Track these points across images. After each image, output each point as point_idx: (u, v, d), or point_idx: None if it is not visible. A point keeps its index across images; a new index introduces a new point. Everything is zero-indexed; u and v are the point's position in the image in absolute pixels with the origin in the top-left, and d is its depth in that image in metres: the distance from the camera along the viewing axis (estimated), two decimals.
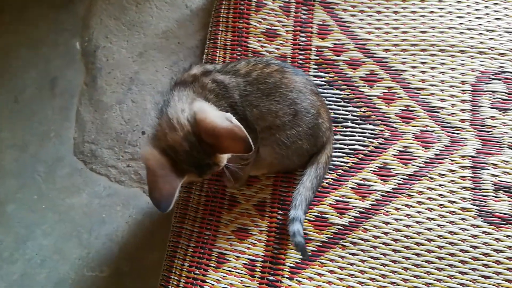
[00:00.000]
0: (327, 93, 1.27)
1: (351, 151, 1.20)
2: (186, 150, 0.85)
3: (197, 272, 1.18)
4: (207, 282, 1.17)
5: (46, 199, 1.44)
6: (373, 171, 1.17)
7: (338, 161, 1.20)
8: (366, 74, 1.27)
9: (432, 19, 1.27)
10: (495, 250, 1.05)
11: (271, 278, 1.13)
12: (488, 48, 1.23)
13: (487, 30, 1.24)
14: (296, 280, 1.12)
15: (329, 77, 1.29)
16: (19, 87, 1.64)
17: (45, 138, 1.54)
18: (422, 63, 1.25)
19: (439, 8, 1.28)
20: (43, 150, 1.52)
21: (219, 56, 1.38)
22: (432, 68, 1.24)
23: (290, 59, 1.32)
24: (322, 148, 1.14)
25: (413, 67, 1.25)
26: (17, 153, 1.54)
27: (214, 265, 1.18)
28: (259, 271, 1.14)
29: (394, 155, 1.18)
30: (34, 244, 1.39)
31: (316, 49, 1.31)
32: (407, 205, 1.13)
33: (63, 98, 1.59)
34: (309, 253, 1.11)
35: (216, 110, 0.91)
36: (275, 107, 1.02)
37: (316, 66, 1.30)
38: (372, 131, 1.21)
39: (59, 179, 1.46)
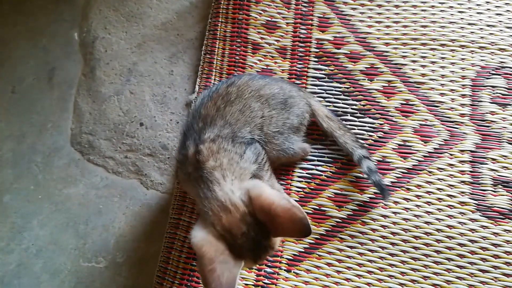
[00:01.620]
0: (327, 86, 1.27)
1: None
2: (244, 232, 0.80)
3: (194, 264, 1.18)
4: None
5: (43, 189, 1.43)
6: None
7: (337, 154, 1.20)
8: (366, 67, 1.26)
9: (433, 14, 1.27)
10: (493, 244, 1.05)
11: (268, 270, 1.13)
12: (488, 43, 1.23)
13: (488, 25, 1.24)
14: (293, 272, 1.12)
15: (329, 70, 1.28)
16: (17, 77, 1.63)
17: (43, 129, 1.53)
18: (423, 57, 1.24)
19: (440, 3, 1.28)
20: (40, 140, 1.51)
21: (218, 48, 1.38)
22: (433, 62, 1.24)
23: (290, 51, 1.32)
24: (310, 108, 1.13)
25: (414, 61, 1.25)
26: (14, 144, 1.53)
27: None
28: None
29: (393, 148, 1.18)
30: (30, 234, 1.38)
31: (316, 42, 1.31)
32: (405, 199, 1.13)
33: (61, 89, 1.58)
34: (389, 194, 1.10)
35: (271, 189, 0.84)
36: (248, 110, 1.01)
37: (316, 59, 1.30)
38: (371, 125, 1.21)
39: (56, 170, 1.45)
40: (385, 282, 1.07)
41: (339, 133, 1.13)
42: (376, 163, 1.14)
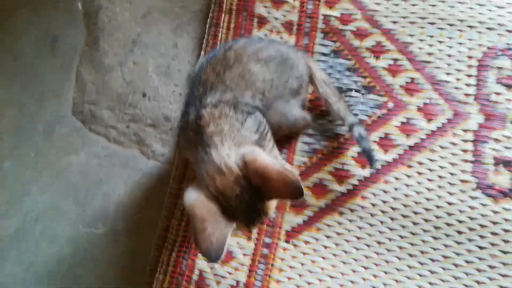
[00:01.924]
0: (332, 62, 1.26)
1: None
2: (237, 194, 0.80)
3: None
4: None
5: (43, 157, 1.43)
6: (375, 141, 1.17)
7: (339, 130, 1.20)
8: (372, 45, 1.26)
9: None
10: (492, 222, 1.06)
11: (267, 240, 1.13)
12: (496, 25, 1.22)
13: (497, 7, 1.23)
14: (292, 243, 1.13)
15: (335, 46, 1.28)
16: (19, 46, 1.62)
17: (44, 98, 1.52)
18: (430, 36, 1.24)
19: None
20: (42, 109, 1.51)
21: (223, 21, 1.37)
22: (440, 42, 1.23)
23: (297, 26, 1.31)
24: (309, 70, 1.12)
25: (421, 40, 1.24)
26: (15, 111, 1.52)
27: None
28: (255, 233, 1.14)
29: (397, 126, 1.18)
30: (30, 200, 1.38)
31: (323, 18, 1.30)
32: (407, 175, 1.13)
33: (64, 59, 1.57)
34: (377, 161, 1.11)
35: (266, 154, 0.85)
36: (248, 73, 0.99)
37: (323, 35, 1.29)
38: (376, 102, 1.21)
39: (57, 138, 1.45)
40: (383, 255, 1.08)
41: (333, 99, 1.12)
42: (378, 140, 1.14)
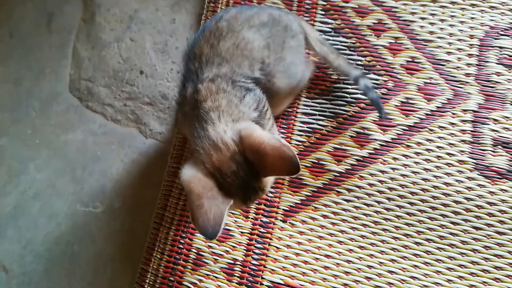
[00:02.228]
0: (332, 40, 1.24)
1: (353, 100, 1.19)
2: (233, 171, 0.79)
3: None
4: None
5: (40, 134, 1.42)
6: (374, 120, 1.16)
7: (339, 109, 1.19)
8: (373, 23, 1.24)
9: None
10: (489, 203, 1.06)
11: (264, 219, 1.14)
12: (499, 3, 1.20)
13: None
14: (289, 222, 1.13)
15: (335, 24, 1.26)
16: (15, 21, 1.59)
17: (41, 74, 1.51)
18: (432, 14, 1.22)
19: None
20: (38, 86, 1.49)
21: None
22: (442, 20, 1.21)
23: (297, 3, 1.29)
24: (302, 30, 1.09)
25: (422, 18, 1.22)
26: (12, 88, 1.51)
27: None
28: (253, 212, 1.15)
29: (396, 105, 1.17)
30: (27, 178, 1.38)
31: None
32: (405, 155, 1.13)
33: (60, 34, 1.54)
34: (386, 111, 1.12)
35: (262, 130, 0.84)
36: (243, 42, 0.95)
37: (323, 12, 1.27)
38: (375, 81, 1.19)
39: (54, 115, 1.44)
40: (379, 235, 1.08)
41: (332, 57, 1.12)
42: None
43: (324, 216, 1.12)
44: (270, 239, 1.12)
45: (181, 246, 1.16)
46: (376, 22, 1.24)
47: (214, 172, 0.80)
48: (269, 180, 0.85)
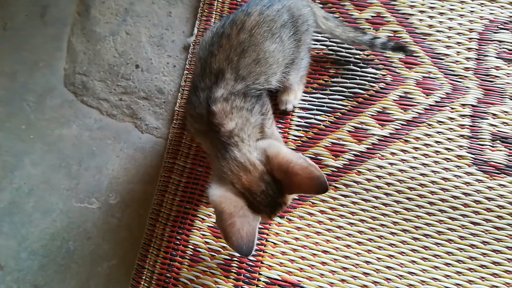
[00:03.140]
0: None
1: (351, 94, 1.18)
2: (263, 190, 0.81)
3: (188, 207, 1.18)
4: (198, 217, 1.16)
5: (35, 129, 1.41)
6: (372, 115, 1.15)
7: (336, 104, 1.18)
8: (372, 16, 1.23)
9: None
10: (487, 198, 1.05)
11: None
12: None
13: None
14: (286, 218, 1.12)
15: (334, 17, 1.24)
16: (9, 13, 1.56)
17: (35, 68, 1.49)
18: (431, 7, 1.21)
19: None
20: (33, 79, 1.47)
21: None
22: (441, 13, 1.20)
23: None
24: (313, 13, 1.08)
25: (421, 12, 1.21)
26: (6, 81, 1.48)
27: (206, 201, 1.17)
28: None
29: (394, 100, 1.16)
30: (22, 173, 1.36)
31: None
32: (403, 150, 1.12)
33: (55, 27, 1.52)
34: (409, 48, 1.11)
35: (286, 147, 0.86)
36: (264, 57, 0.94)
37: (321, 5, 1.25)
38: (374, 75, 1.18)
39: (49, 110, 1.42)
40: (377, 231, 1.08)
41: (338, 30, 1.13)
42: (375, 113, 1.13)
43: (322, 212, 1.11)
44: (268, 234, 1.12)
45: (177, 242, 1.15)
46: (375, 15, 1.23)
47: (244, 191, 0.82)
48: (292, 195, 0.87)
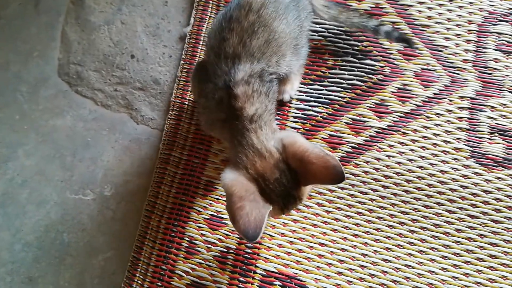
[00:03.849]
0: (328, 24, 1.21)
1: (349, 86, 1.17)
2: (277, 178, 0.79)
3: (184, 199, 1.17)
4: (194, 209, 1.15)
5: (29, 119, 1.39)
6: (370, 107, 1.15)
7: (334, 96, 1.17)
8: (371, 7, 1.21)
9: None
10: (484, 191, 1.05)
11: None
12: None
13: None
14: None
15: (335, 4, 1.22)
16: (2, 2, 1.54)
17: (29, 57, 1.46)
18: None
19: None
20: (26, 69, 1.45)
21: None
22: (440, 5, 1.19)
23: None
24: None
25: (420, 3, 1.20)
26: None
27: (202, 193, 1.16)
28: None
29: (393, 92, 1.15)
30: (16, 164, 1.34)
31: None
32: (401, 143, 1.11)
33: (49, 16, 1.50)
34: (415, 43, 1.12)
35: (303, 138, 0.84)
36: (274, 38, 0.92)
37: None
38: (372, 67, 1.17)
39: (43, 100, 1.40)
40: (373, 223, 1.07)
41: (342, 17, 1.12)
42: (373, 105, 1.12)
43: (319, 204, 1.11)
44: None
45: (173, 234, 1.14)
46: (373, 6, 1.21)
47: (257, 177, 0.80)
48: (307, 190, 0.85)
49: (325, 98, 1.17)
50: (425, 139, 1.10)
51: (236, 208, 0.73)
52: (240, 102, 0.86)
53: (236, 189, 0.76)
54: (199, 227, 1.13)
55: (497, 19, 1.16)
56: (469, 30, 1.16)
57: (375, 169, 1.10)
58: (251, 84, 0.88)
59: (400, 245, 1.05)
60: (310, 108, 1.17)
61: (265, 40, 0.91)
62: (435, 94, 1.13)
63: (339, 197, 1.10)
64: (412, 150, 1.10)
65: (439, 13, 1.18)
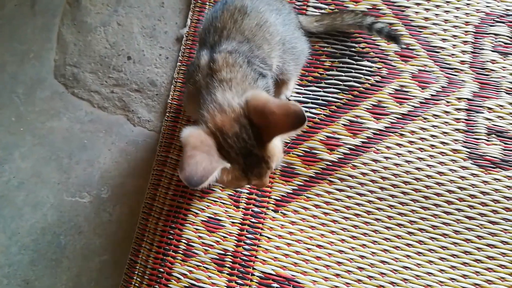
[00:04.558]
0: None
1: (346, 88, 1.17)
2: (236, 132, 0.76)
3: (181, 201, 1.16)
4: (191, 211, 1.15)
5: (25, 121, 1.38)
6: (367, 108, 1.14)
7: (332, 97, 1.17)
8: (368, 8, 1.21)
9: None
10: (482, 192, 1.05)
11: (256, 209, 1.12)
12: None
13: None
14: (281, 212, 1.11)
15: (329, 9, 1.22)
16: None
17: (25, 59, 1.45)
18: (427, 0, 1.19)
19: None
20: (22, 71, 1.44)
21: None
22: (437, 6, 1.19)
23: None
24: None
25: (417, 4, 1.20)
26: None
27: (199, 195, 1.16)
28: (244, 202, 1.13)
29: (390, 93, 1.15)
30: (12, 166, 1.34)
31: None
32: (398, 144, 1.11)
33: (45, 17, 1.49)
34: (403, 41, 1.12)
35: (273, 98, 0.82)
36: (265, 24, 0.94)
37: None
38: (369, 68, 1.17)
39: (39, 102, 1.39)
40: (371, 225, 1.07)
41: (337, 22, 1.14)
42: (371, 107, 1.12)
43: (316, 206, 1.10)
44: (262, 229, 1.11)
45: (170, 236, 1.14)
46: (370, 7, 1.21)
47: (216, 132, 0.77)
48: (274, 151, 0.80)
49: (322, 100, 1.17)
50: (422, 141, 1.10)
51: (187, 157, 0.70)
52: (217, 65, 0.85)
53: (191, 140, 0.73)
54: (197, 229, 1.13)
55: (494, 20, 1.16)
56: (466, 32, 1.16)
57: (373, 170, 1.10)
58: (234, 56, 0.86)
59: (398, 247, 1.05)
60: (307, 109, 1.17)
61: (256, 23, 0.91)
62: (432, 95, 1.13)
63: (336, 199, 1.10)
64: (409, 151, 1.10)
65: (436, 14, 1.18)
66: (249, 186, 1.13)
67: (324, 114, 1.16)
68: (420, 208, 1.06)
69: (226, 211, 1.13)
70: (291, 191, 1.12)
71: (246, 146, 0.76)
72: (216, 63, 0.85)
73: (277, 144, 0.80)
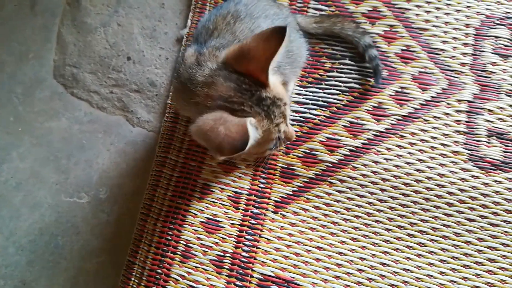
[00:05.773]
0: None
1: (347, 89, 1.16)
2: (234, 87, 0.76)
3: (180, 202, 1.15)
4: (190, 212, 1.14)
5: (23, 121, 1.37)
6: (368, 110, 1.14)
7: (332, 99, 1.16)
8: (368, 10, 1.21)
9: None
10: (482, 194, 1.04)
11: (255, 211, 1.11)
12: None
13: None
14: (280, 214, 1.10)
15: (329, 10, 1.22)
16: None
17: (24, 59, 1.45)
18: (427, 2, 1.19)
19: None
20: (21, 71, 1.43)
21: None
22: (437, 8, 1.19)
23: None
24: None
25: (418, 6, 1.20)
26: None
27: (198, 196, 1.15)
28: (243, 204, 1.12)
29: (390, 95, 1.14)
30: (10, 166, 1.33)
31: None
32: (398, 146, 1.10)
33: (44, 18, 1.48)
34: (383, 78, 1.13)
35: None
36: (258, 30, 0.95)
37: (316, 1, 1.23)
38: (369, 70, 1.16)
39: (38, 102, 1.39)
40: (371, 227, 1.06)
41: (336, 27, 1.14)
42: (372, 108, 1.12)
43: (316, 207, 1.10)
44: (261, 230, 1.10)
45: (169, 237, 1.13)
46: (371, 9, 1.21)
47: (218, 103, 0.77)
48: (279, 89, 0.81)
49: (322, 101, 1.17)
50: (423, 142, 1.10)
51: (214, 138, 0.71)
52: (204, 57, 0.85)
53: (204, 125, 0.73)
54: (195, 230, 1.12)
55: (494, 23, 1.16)
56: (466, 34, 1.16)
57: (373, 172, 1.10)
58: (222, 51, 0.86)
59: (398, 249, 1.04)
60: (307, 110, 1.17)
61: (248, 28, 0.92)
62: (432, 97, 1.13)
63: (336, 200, 1.09)
64: (410, 153, 1.09)
65: (437, 17, 1.18)
66: (248, 187, 1.12)
67: (324, 115, 1.16)
68: (420, 209, 1.06)
69: (225, 212, 1.12)
70: (291, 193, 1.12)
71: (253, 92, 0.76)
72: (203, 55, 0.86)
73: (275, 83, 0.81)
